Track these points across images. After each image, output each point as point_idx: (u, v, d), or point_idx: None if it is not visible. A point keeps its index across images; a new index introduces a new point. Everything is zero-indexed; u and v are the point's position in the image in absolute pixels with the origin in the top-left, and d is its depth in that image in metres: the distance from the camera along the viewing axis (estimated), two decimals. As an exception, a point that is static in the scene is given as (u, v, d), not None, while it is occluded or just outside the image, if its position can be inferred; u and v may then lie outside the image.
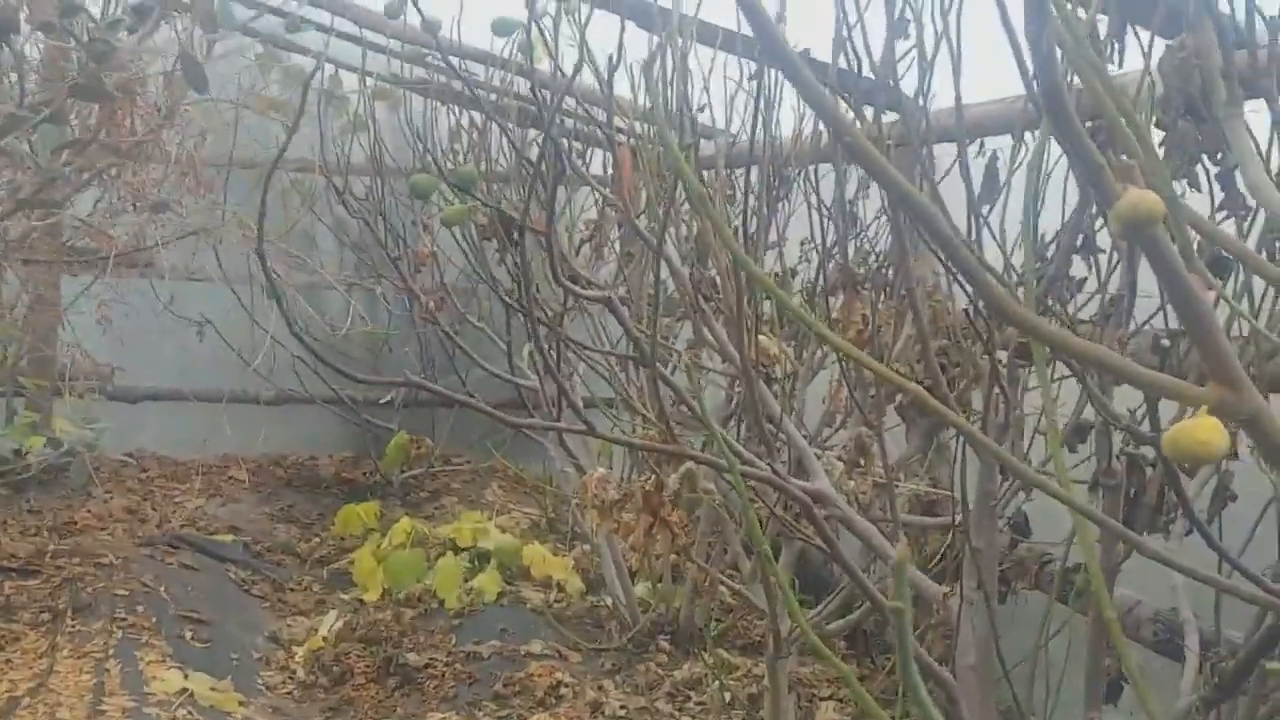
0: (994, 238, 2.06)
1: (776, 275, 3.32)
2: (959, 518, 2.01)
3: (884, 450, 2.04)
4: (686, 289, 2.03)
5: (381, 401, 4.91)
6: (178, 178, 3.40)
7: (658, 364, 1.63)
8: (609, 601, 3.69)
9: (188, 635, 3.39)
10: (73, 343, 4.47)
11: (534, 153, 3.76)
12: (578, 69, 1.97)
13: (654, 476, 2.40)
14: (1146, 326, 2.12)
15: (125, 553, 3.97)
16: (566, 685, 3.13)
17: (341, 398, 5.00)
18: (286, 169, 4.65)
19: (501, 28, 1.53)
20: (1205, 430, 0.65)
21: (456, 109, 4.34)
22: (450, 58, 2.85)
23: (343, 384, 4.97)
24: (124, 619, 3.38)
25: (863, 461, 2.41)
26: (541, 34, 2.12)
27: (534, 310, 1.67)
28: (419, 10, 2.51)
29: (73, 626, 3.29)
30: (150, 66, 1.99)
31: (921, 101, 2.33)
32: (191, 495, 4.96)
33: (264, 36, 4.62)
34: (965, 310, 2.07)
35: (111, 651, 3.15)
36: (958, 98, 1.71)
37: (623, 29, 2.32)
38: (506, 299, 2.65)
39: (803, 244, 3.46)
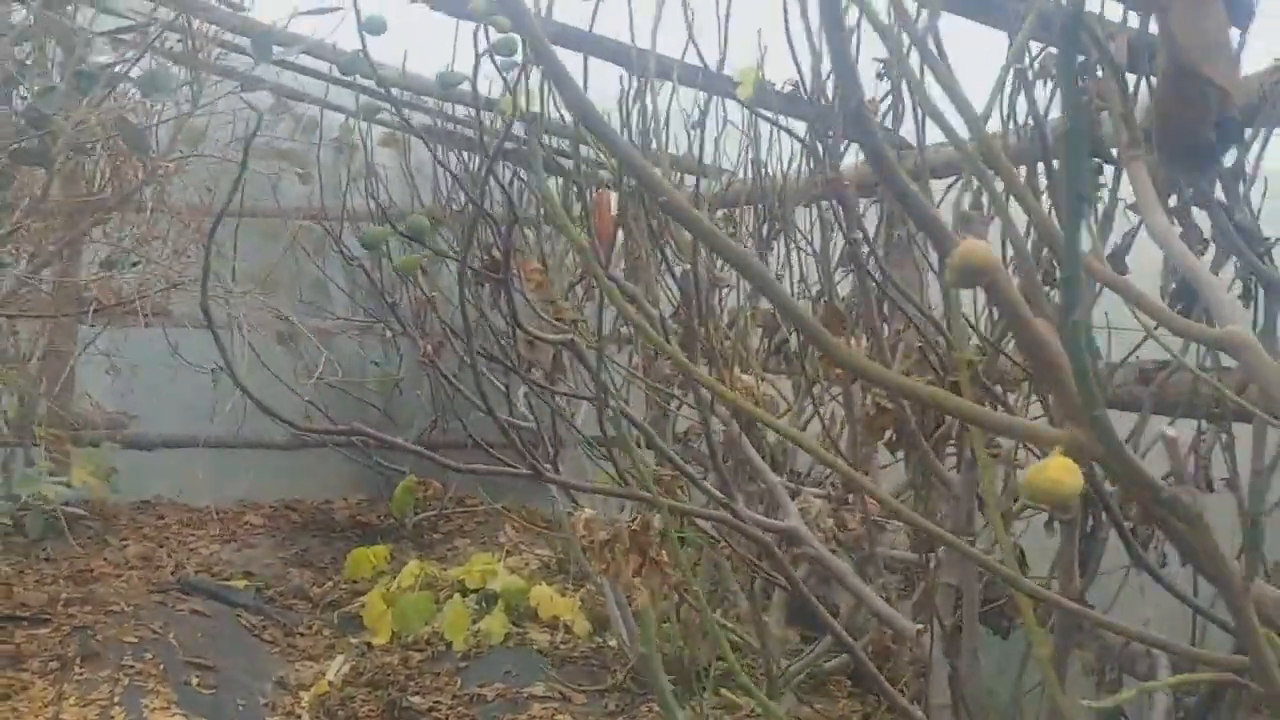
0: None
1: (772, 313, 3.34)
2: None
3: (875, 485, 2.03)
4: (657, 327, 2.05)
5: (387, 445, 4.94)
6: (181, 229, 3.46)
7: (610, 398, 1.65)
8: (614, 643, 3.68)
9: (194, 681, 3.41)
10: (84, 393, 4.53)
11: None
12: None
13: (639, 515, 2.41)
14: (1133, 359, 2.13)
15: (137, 600, 4.01)
16: (568, 727, 3.12)
17: (353, 441, 5.02)
18: (296, 217, 4.73)
19: (445, 81, 1.55)
20: (1057, 470, 0.65)
21: (457, 153, 4.40)
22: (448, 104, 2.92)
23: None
24: (132, 666, 3.40)
25: (851, 498, 2.41)
26: (507, 86, 2.15)
27: (504, 357, 1.69)
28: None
29: (81, 674, 3.32)
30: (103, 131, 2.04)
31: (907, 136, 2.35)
32: (207, 541, 5.00)
33: (272, 86, 4.70)
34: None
35: (117, 699, 3.18)
36: (919, 137, 1.72)
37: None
38: (481, 348, 2.67)
39: (801, 280, 3.49)
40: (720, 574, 3.01)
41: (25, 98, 1.30)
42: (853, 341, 2.77)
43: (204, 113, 3.73)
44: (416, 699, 3.39)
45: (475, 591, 4.07)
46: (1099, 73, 1.09)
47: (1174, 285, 1.49)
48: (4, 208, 1.25)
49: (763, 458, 2.39)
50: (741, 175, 3.41)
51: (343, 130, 5.24)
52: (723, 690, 3.24)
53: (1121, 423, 1.28)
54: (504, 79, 1.77)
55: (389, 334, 5.12)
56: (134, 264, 3.06)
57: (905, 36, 1.04)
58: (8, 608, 3.78)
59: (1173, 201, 1.39)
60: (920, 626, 1.72)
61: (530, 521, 5.13)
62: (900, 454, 2.63)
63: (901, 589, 2.21)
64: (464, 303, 1.48)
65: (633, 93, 2.69)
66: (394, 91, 4.55)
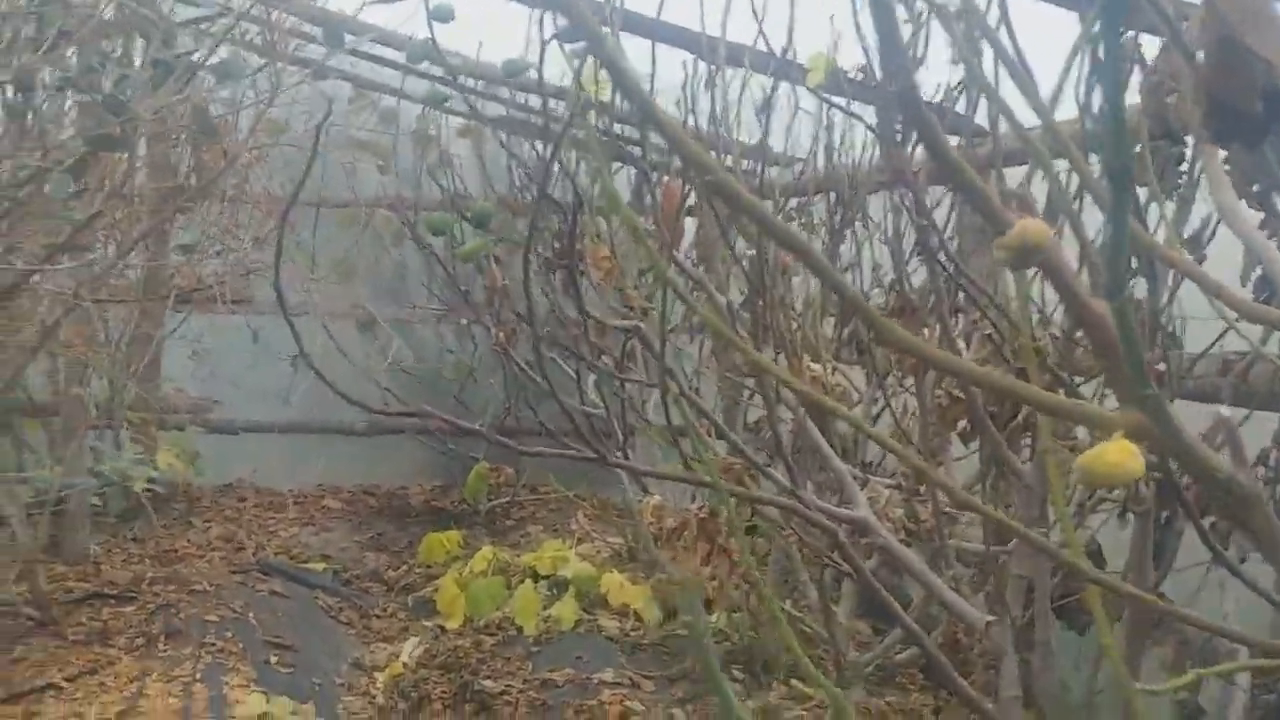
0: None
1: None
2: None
3: (948, 476, 2.01)
4: (725, 316, 2.04)
5: (464, 433, 4.99)
6: (262, 218, 3.54)
7: (676, 383, 1.64)
8: (684, 631, 3.69)
9: (273, 660, 3.49)
10: (168, 378, 4.65)
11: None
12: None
13: (707, 504, 2.41)
14: (1215, 349, 2.07)
15: (219, 580, 4.11)
16: (636, 714, 3.13)
17: (427, 427, 5.10)
18: (373, 206, 4.80)
19: (510, 69, 1.56)
20: (1116, 453, 0.63)
21: (534, 142, 4.42)
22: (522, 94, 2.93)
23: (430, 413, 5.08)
24: (213, 644, 3.49)
25: (922, 489, 2.38)
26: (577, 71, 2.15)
27: (574, 344, 1.69)
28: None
29: (164, 651, 3.42)
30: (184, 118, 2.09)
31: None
32: (286, 524, 5.11)
33: (348, 76, 4.77)
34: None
35: (199, 676, 3.26)
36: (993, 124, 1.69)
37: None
38: (551, 334, 2.69)
39: (875, 269, 3.45)
40: (790, 563, 3.00)
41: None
42: (925, 331, 2.74)
43: (283, 104, 3.81)
44: (488, 682, 3.43)
45: (547, 578, 4.11)
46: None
47: (1256, 273, 1.44)
48: (81, 193, 1.29)
49: (834, 448, 2.37)
50: (813, 164, 3.38)
51: (420, 121, 5.30)
52: (792, 680, 3.24)
53: (1203, 416, 1.25)
54: (571, 66, 1.77)
55: (464, 322, 5.17)
56: (216, 252, 3.13)
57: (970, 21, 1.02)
58: (96, 585, 3.90)
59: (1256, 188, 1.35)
60: (990, 619, 1.70)
61: (602, 510, 5.16)
62: (974, 445, 2.60)
63: (974, 581, 2.18)
64: (528, 290, 1.49)
65: (703, 80, 2.68)
66: (466, 81, 4.61)
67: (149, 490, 4.18)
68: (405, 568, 4.69)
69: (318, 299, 4.59)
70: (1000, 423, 2.54)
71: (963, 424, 2.62)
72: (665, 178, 2.27)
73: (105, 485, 2.15)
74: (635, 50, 2.29)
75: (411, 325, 5.50)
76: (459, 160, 4.78)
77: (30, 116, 1.43)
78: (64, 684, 3.14)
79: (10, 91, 1.37)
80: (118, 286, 3.55)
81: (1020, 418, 2.48)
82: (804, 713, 3.09)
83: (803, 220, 3.42)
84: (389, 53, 4.69)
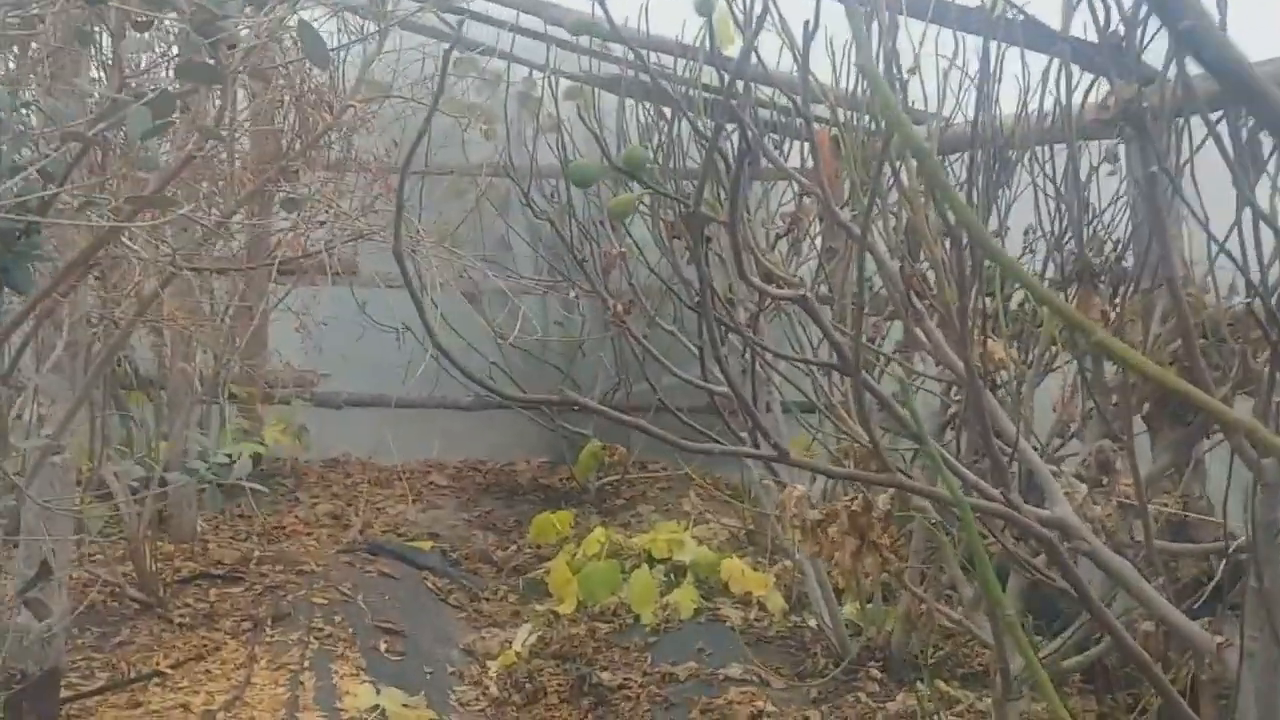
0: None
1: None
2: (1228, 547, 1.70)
3: (1135, 465, 1.74)
4: (896, 285, 1.79)
5: (576, 407, 4.79)
6: (368, 183, 3.36)
7: (863, 372, 1.40)
8: (813, 623, 3.45)
9: (382, 647, 3.34)
10: (275, 350, 4.54)
11: (728, 146, 3.57)
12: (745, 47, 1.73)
13: (860, 496, 2.17)
14: None
15: (326, 560, 3.99)
16: (768, 715, 2.91)
17: (537, 403, 4.91)
18: (476, 174, 4.60)
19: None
20: None
21: (648, 105, 4.18)
22: (639, 50, 2.68)
23: (539, 390, 4.91)
24: (321, 629, 3.37)
25: (1105, 480, 2.10)
26: (731, 9, 1.91)
27: (713, 314, 1.46)
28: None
29: (272, 636, 3.30)
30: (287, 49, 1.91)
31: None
32: (393, 500, 4.99)
33: (453, 38, 4.58)
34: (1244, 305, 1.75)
35: (307, 664, 3.13)
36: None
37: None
38: (686, 302, 2.45)
39: (1026, 233, 3.14)
40: (942, 556, 2.74)
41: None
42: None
43: (388, 65, 3.63)
44: (605, 674, 3.24)
45: (663, 561, 3.90)
46: None
47: None
48: (166, 129, 1.10)
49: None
50: (960, 118, 3.09)
51: (526, 84, 5.09)
52: (938, 681, 2.98)
53: None
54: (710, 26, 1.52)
55: (572, 294, 4.97)
56: (320, 221, 2.96)
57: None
58: (203, 565, 3.80)
59: None
60: (1223, 640, 1.43)
61: (715, 489, 4.94)
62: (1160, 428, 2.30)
63: (1174, 587, 1.90)
64: (699, 253, 1.26)
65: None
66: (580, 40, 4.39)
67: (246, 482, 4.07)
68: (514, 548, 4.54)
69: (424, 269, 4.42)
70: (1192, 408, 2.24)
71: (1146, 407, 2.33)
72: (819, 130, 2.01)
73: (207, 474, 1.98)
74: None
75: (518, 297, 5.31)
76: (568, 124, 4.56)
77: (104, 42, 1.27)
78: (169, 670, 3.04)
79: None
80: (220, 256, 3.41)
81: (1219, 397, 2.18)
82: (953, 719, 2.83)
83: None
84: (494, 9, 4.49)
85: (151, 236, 1.83)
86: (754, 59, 2.72)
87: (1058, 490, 1.56)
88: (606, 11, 1.62)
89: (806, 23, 1.53)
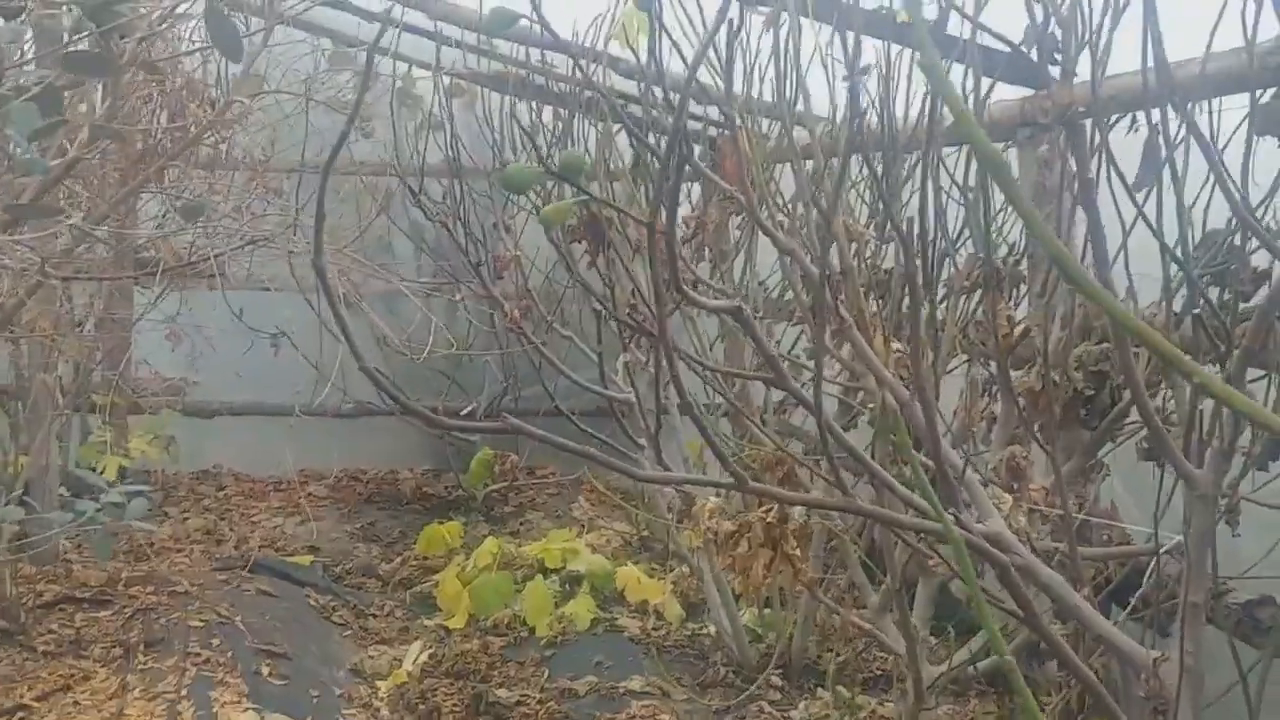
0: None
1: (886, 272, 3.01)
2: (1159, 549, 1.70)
3: (1059, 470, 1.73)
4: (816, 290, 1.74)
5: (463, 413, 4.67)
6: (245, 182, 3.19)
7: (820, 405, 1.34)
8: (712, 629, 3.41)
9: (265, 671, 3.17)
10: (141, 359, 4.31)
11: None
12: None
13: (775, 507, 2.12)
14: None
15: (201, 579, 3.79)
16: (672, 728, 2.85)
17: (420, 410, 4.77)
18: (360, 172, 4.44)
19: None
20: None
21: (534, 104, 4.09)
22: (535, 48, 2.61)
23: (422, 396, 4.78)
24: (198, 654, 3.17)
25: (1016, 486, 2.10)
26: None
27: (626, 318, 1.39)
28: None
29: (145, 663, 3.10)
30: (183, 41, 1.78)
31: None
32: (269, 513, 4.78)
33: (332, 32, 4.41)
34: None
35: (185, 692, 2.95)
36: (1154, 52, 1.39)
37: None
38: (599, 306, 2.38)
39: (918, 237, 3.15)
40: (845, 560, 2.72)
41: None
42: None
43: (272, 61, 3.46)
44: (502, 692, 3.14)
45: (556, 571, 3.81)
46: None
47: None
48: (51, 128, 0.97)
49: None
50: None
51: (405, 80, 4.94)
52: (839, 688, 2.97)
53: None
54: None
55: (458, 296, 4.84)
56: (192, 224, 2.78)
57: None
58: (67, 587, 3.57)
59: None
60: (1158, 655, 1.42)
61: (607, 493, 4.86)
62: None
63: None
64: (606, 259, 1.18)
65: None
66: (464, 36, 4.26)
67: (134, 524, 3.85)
68: (400, 560, 4.38)
69: (300, 272, 4.24)
70: (1098, 412, 2.27)
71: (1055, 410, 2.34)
72: (722, 136, 1.95)
73: (97, 516, 1.82)
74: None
75: (398, 300, 5.14)
76: (448, 125, 4.42)
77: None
78: (34, 704, 2.82)
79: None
80: (86, 261, 3.20)
81: (1124, 405, 2.20)
82: (857, 726, 2.82)
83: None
84: (371, 2, 4.33)
85: (15, 243, 1.67)
86: (654, 61, 2.67)
87: (988, 504, 1.53)
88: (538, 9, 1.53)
89: (731, 20, 1.47)
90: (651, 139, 2.59)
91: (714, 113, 3.38)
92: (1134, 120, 2.30)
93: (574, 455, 1.51)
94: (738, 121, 1.97)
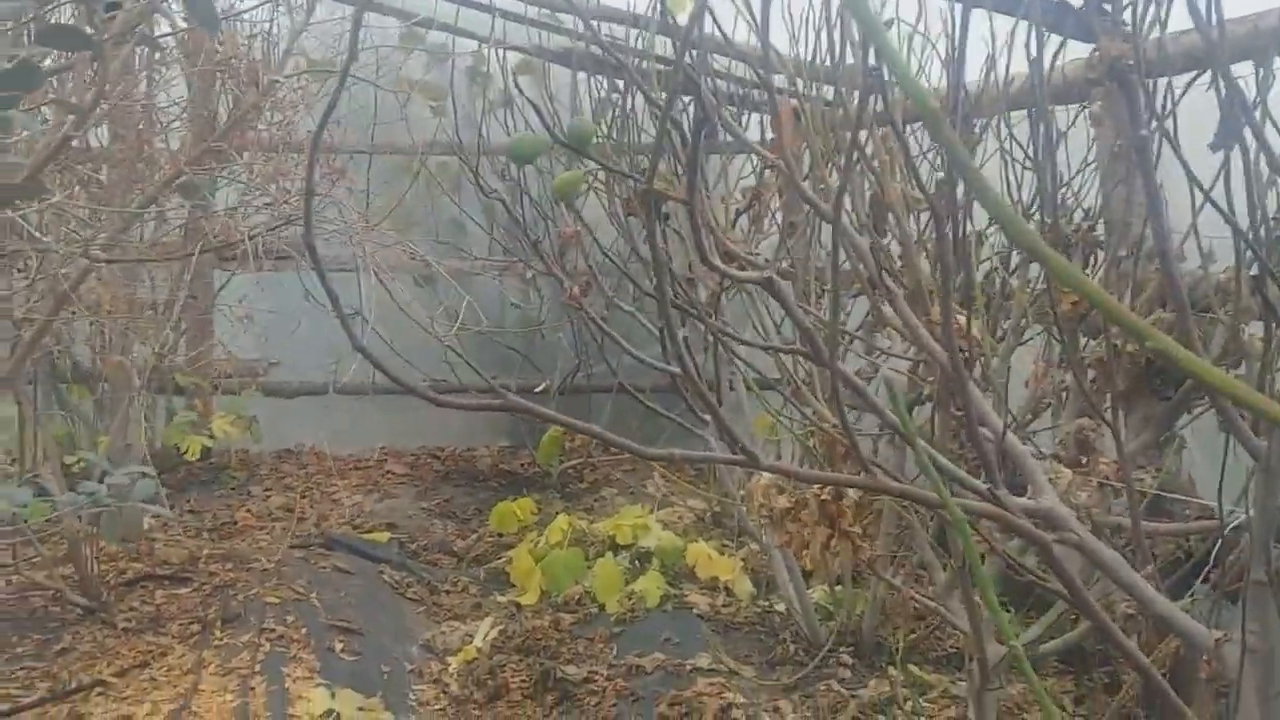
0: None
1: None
2: (1217, 530, 1.61)
3: (1121, 445, 1.65)
4: (866, 261, 1.68)
5: (537, 390, 4.67)
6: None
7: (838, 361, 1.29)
8: (782, 608, 3.36)
9: (338, 647, 3.22)
10: (221, 340, 4.39)
11: (684, 119, 3.44)
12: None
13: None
14: None
15: (279, 556, 3.85)
16: (739, 707, 2.82)
17: (495, 388, 4.78)
18: (430, 152, 4.45)
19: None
20: None
21: (600, 78, 4.05)
22: (589, 20, 2.56)
23: (497, 374, 4.80)
24: (273, 630, 3.23)
25: (1085, 460, 2.02)
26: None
27: (671, 299, 1.35)
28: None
29: (221, 639, 3.16)
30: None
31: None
32: (349, 491, 4.85)
33: (400, 13, 4.43)
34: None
35: (258, 668, 3.00)
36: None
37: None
38: (641, 287, 2.33)
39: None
40: (912, 538, 2.65)
41: None
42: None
43: (329, 43, 3.47)
44: (570, 668, 3.14)
45: (627, 548, 3.80)
46: None
47: None
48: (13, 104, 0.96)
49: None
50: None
51: (475, 58, 4.94)
52: (910, 666, 2.90)
53: None
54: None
55: (529, 274, 4.84)
56: (258, 207, 2.81)
57: None
58: (149, 565, 3.66)
59: None
60: (1221, 635, 1.35)
61: (680, 471, 4.83)
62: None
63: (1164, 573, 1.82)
64: (653, 233, 1.14)
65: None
66: (529, 11, 4.24)
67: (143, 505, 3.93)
68: (475, 537, 4.41)
69: (373, 252, 4.27)
70: (1173, 383, 2.17)
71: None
72: (780, 100, 1.89)
73: (103, 498, 1.84)
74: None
75: (470, 278, 5.16)
76: (520, 99, 4.41)
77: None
78: (113, 679, 2.90)
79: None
80: (150, 245, 3.25)
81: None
82: (927, 705, 2.75)
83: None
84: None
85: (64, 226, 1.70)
86: (712, 28, 2.61)
87: (1043, 479, 1.46)
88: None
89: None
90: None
91: (780, 81, 3.31)
92: (1194, 77, 2.18)
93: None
94: (787, 87, 1.90)
